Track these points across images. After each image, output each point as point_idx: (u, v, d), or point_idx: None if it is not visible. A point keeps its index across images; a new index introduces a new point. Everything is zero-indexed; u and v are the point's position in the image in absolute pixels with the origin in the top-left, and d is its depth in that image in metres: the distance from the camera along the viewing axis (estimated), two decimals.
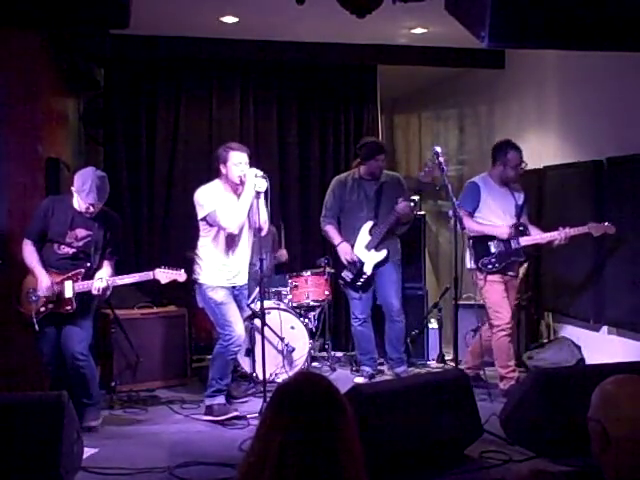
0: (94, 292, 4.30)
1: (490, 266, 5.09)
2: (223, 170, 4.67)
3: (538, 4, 3.06)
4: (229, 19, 5.69)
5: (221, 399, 4.70)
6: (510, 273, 5.17)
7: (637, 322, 5.05)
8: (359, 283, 5.58)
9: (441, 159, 4.86)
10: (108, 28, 4.76)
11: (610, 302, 5.34)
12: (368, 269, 5.53)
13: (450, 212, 4.87)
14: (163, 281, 4.44)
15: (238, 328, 4.67)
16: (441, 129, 8.28)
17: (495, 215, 5.15)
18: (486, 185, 5.19)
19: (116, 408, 4.91)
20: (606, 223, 4.94)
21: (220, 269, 4.70)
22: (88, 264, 4.37)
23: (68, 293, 4.29)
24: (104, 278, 4.33)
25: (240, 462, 1.55)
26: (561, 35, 3.16)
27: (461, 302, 5.48)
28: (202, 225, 4.71)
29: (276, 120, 6.78)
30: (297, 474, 1.43)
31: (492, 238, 5.10)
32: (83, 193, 4.24)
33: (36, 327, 4.30)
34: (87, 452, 3.81)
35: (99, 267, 4.44)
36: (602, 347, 5.48)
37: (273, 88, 6.78)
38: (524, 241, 5.11)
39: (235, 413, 4.63)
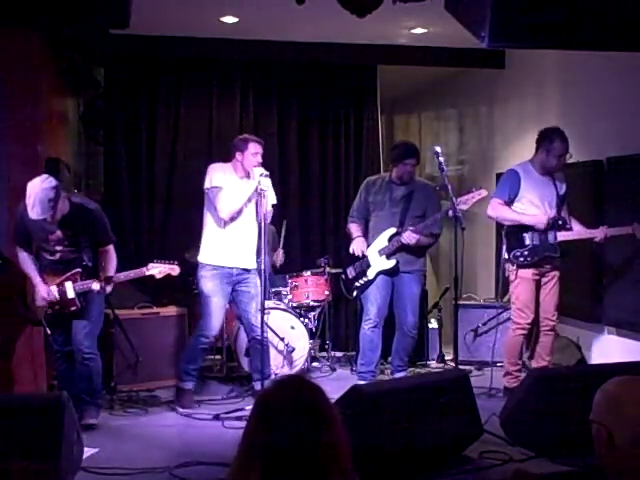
0: (95, 291, 4.30)
1: (522, 259, 4.83)
2: (239, 157, 4.85)
3: (538, 4, 3.06)
4: (229, 19, 5.69)
5: (189, 385, 4.91)
6: (547, 266, 4.90)
7: (637, 322, 5.05)
8: (357, 284, 5.33)
9: (441, 159, 4.86)
10: (108, 28, 4.77)
11: (610, 302, 5.34)
12: (371, 273, 5.23)
13: (450, 212, 4.84)
14: (157, 276, 4.37)
15: (213, 322, 4.80)
16: (441, 129, 8.28)
17: (534, 206, 4.88)
18: (526, 173, 4.91)
19: (116, 408, 4.90)
20: None
21: (222, 246, 4.81)
22: (83, 263, 4.33)
23: (70, 294, 4.30)
24: (101, 279, 4.31)
25: (230, 463, 1.60)
26: (561, 35, 3.17)
27: (461, 302, 5.49)
28: (206, 198, 4.88)
29: (276, 120, 6.78)
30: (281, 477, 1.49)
31: (527, 229, 4.83)
32: (29, 207, 4.01)
33: (47, 331, 4.33)
34: (87, 452, 3.80)
35: (100, 262, 4.38)
36: (602, 347, 5.48)
37: (273, 88, 6.78)
38: (562, 236, 4.84)
39: (197, 410, 4.76)
